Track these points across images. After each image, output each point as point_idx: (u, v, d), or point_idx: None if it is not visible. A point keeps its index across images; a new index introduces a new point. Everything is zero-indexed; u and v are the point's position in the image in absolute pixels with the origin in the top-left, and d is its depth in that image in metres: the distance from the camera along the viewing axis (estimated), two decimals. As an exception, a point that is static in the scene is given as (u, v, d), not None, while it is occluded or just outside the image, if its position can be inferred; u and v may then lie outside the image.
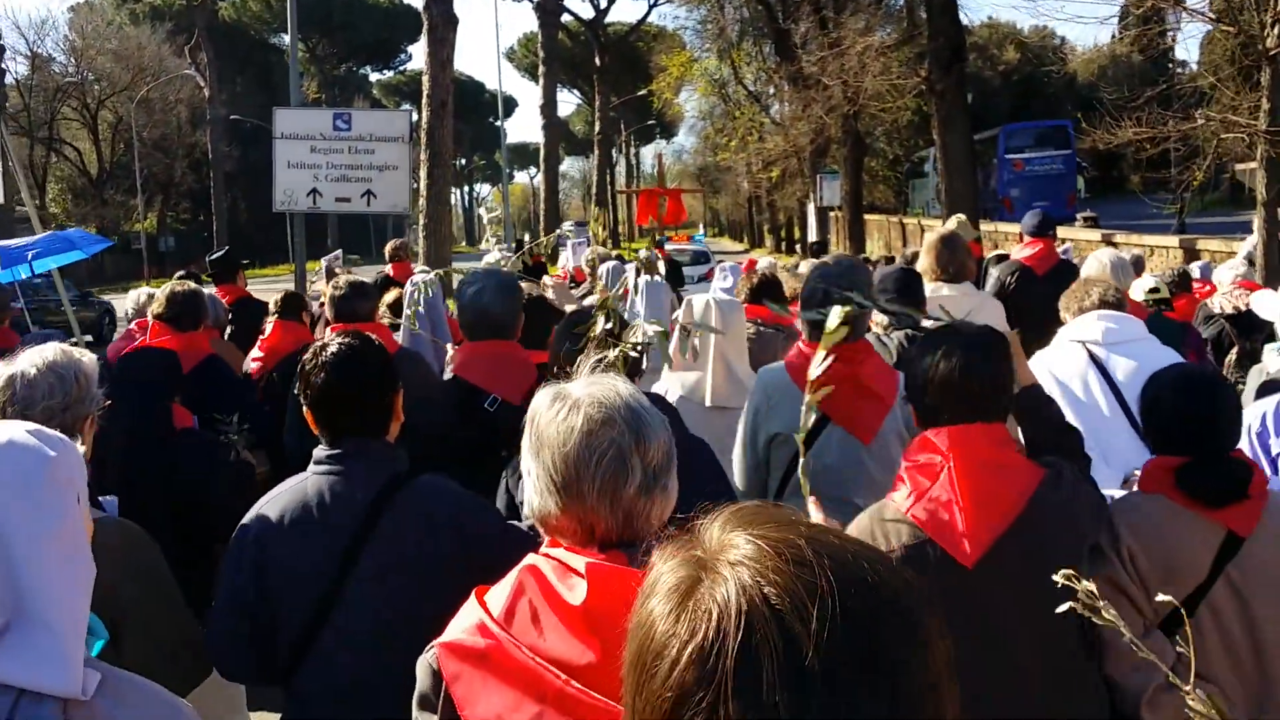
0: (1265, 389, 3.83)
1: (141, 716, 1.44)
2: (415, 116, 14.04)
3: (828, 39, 23.89)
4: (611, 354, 2.29)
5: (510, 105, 78.02)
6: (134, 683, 1.49)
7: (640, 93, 48.26)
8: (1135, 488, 2.64)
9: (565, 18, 45.11)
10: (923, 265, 5.01)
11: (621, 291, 2.68)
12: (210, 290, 5.89)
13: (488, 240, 6.95)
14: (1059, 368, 3.81)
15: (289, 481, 2.41)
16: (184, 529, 3.36)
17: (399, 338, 4.98)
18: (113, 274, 39.94)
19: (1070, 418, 3.14)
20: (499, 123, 49.07)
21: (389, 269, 9.04)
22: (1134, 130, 10.78)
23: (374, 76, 69.26)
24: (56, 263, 9.98)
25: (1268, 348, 4.23)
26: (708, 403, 3.92)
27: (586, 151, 70.60)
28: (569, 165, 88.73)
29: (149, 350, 4.06)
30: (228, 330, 6.19)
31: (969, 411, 2.22)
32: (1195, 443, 2.38)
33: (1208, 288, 7.10)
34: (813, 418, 2.25)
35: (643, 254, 4.94)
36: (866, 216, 30.78)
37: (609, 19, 49.76)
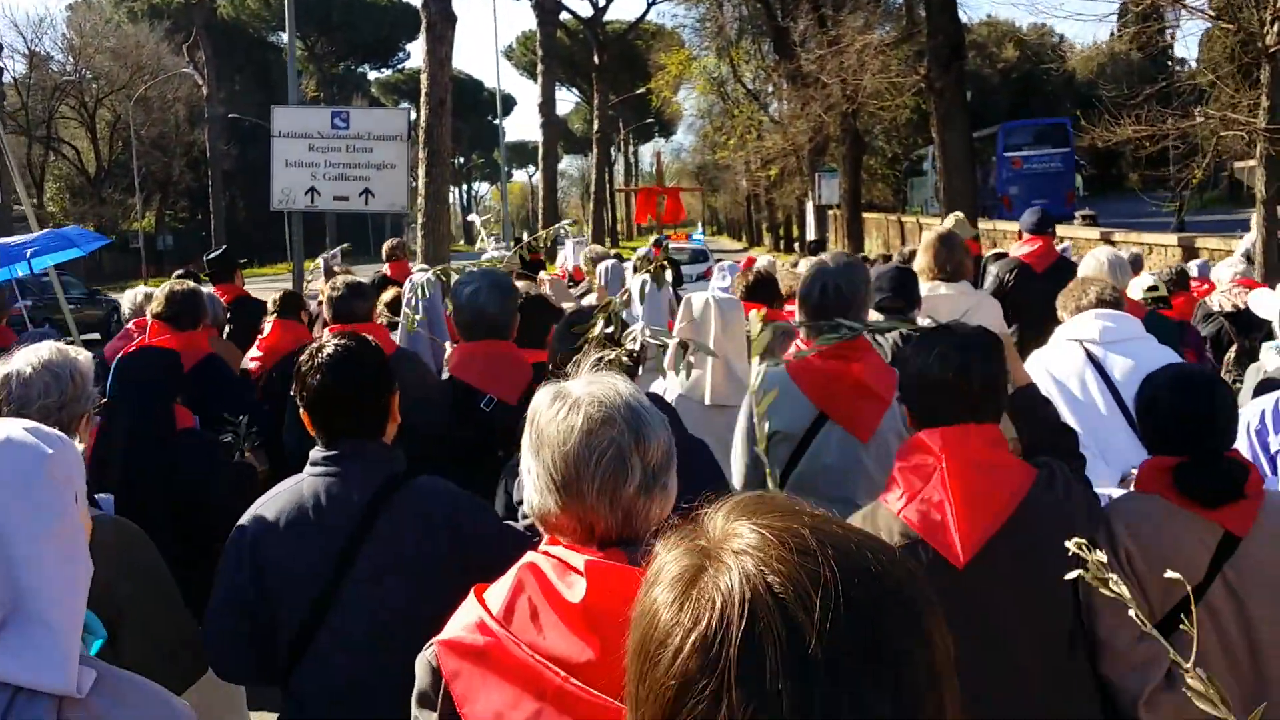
0: (1263, 387, 3.83)
1: (138, 715, 1.43)
2: (414, 115, 14.01)
3: (826, 37, 23.91)
4: (610, 354, 2.29)
5: (509, 103, 78.14)
6: (131, 681, 1.48)
7: (639, 91, 48.30)
8: (1133, 487, 2.64)
9: (564, 16, 45.14)
10: (920, 264, 5.00)
11: (624, 297, 2.67)
12: (208, 289, 5.88)
13: (483, 241, 6.94)
14: (1056, 367, 3.81)
15: (285, 482, 2.40)
16: (184, 529, 3.36)
17: (396, 337, 4.97)
18: (111, 272, 39.91)
19: (1068, 417, 3.14)
20: (497, 121, 49.20)
21: (386, 268, 9.05)
22: (1133, 128, 10.79)
23: (372, 75, 69.31)
24: (55, 260, 9.99)
25: (1266, 346, 4.22)
26: (707, 400, 3.92)
27: (585, 150, 70.59)
28: (567, 164, 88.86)
29: (150, 350, 4.04)
30: (226, 329, 6.19)
31: (962, 412, 2.21)
32: (1192, 442, 2.37)
33: (1206, 286, 7.11)
34: (766, 396, 2.26)
35: (641, 252, 4.94)
36: (865, 215, 30.77)
37: (607, 17, 49.73)
